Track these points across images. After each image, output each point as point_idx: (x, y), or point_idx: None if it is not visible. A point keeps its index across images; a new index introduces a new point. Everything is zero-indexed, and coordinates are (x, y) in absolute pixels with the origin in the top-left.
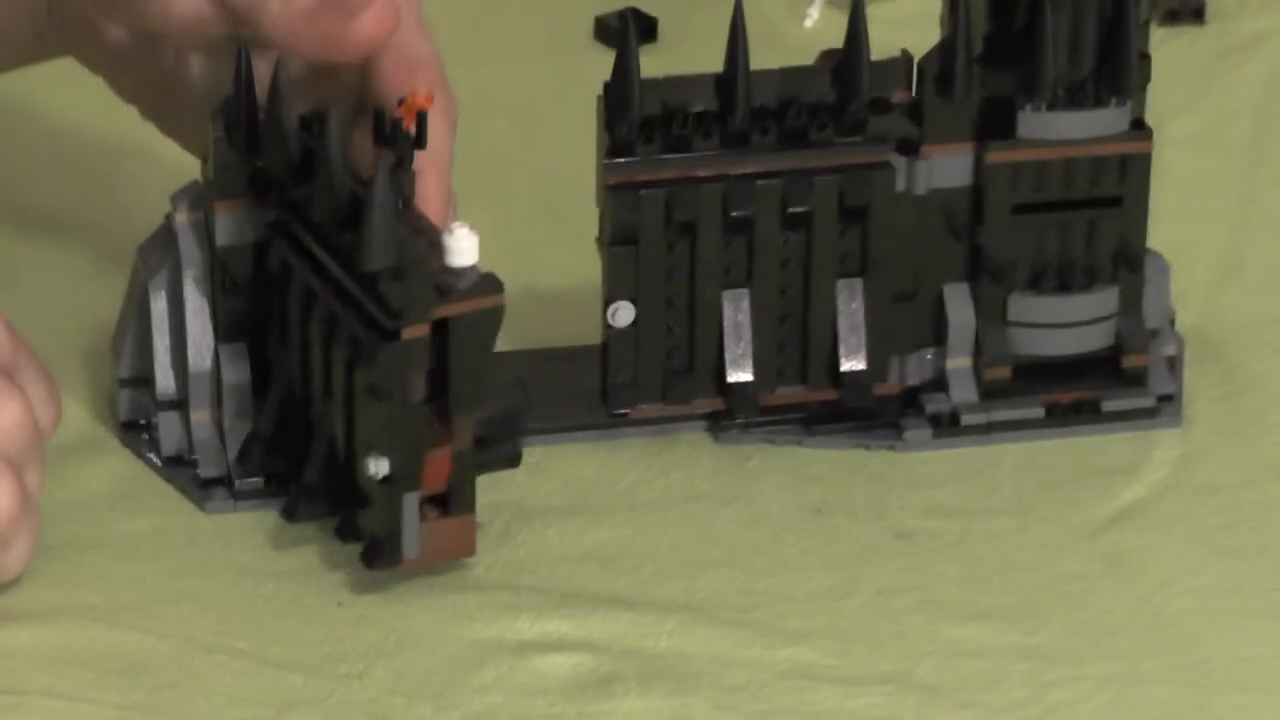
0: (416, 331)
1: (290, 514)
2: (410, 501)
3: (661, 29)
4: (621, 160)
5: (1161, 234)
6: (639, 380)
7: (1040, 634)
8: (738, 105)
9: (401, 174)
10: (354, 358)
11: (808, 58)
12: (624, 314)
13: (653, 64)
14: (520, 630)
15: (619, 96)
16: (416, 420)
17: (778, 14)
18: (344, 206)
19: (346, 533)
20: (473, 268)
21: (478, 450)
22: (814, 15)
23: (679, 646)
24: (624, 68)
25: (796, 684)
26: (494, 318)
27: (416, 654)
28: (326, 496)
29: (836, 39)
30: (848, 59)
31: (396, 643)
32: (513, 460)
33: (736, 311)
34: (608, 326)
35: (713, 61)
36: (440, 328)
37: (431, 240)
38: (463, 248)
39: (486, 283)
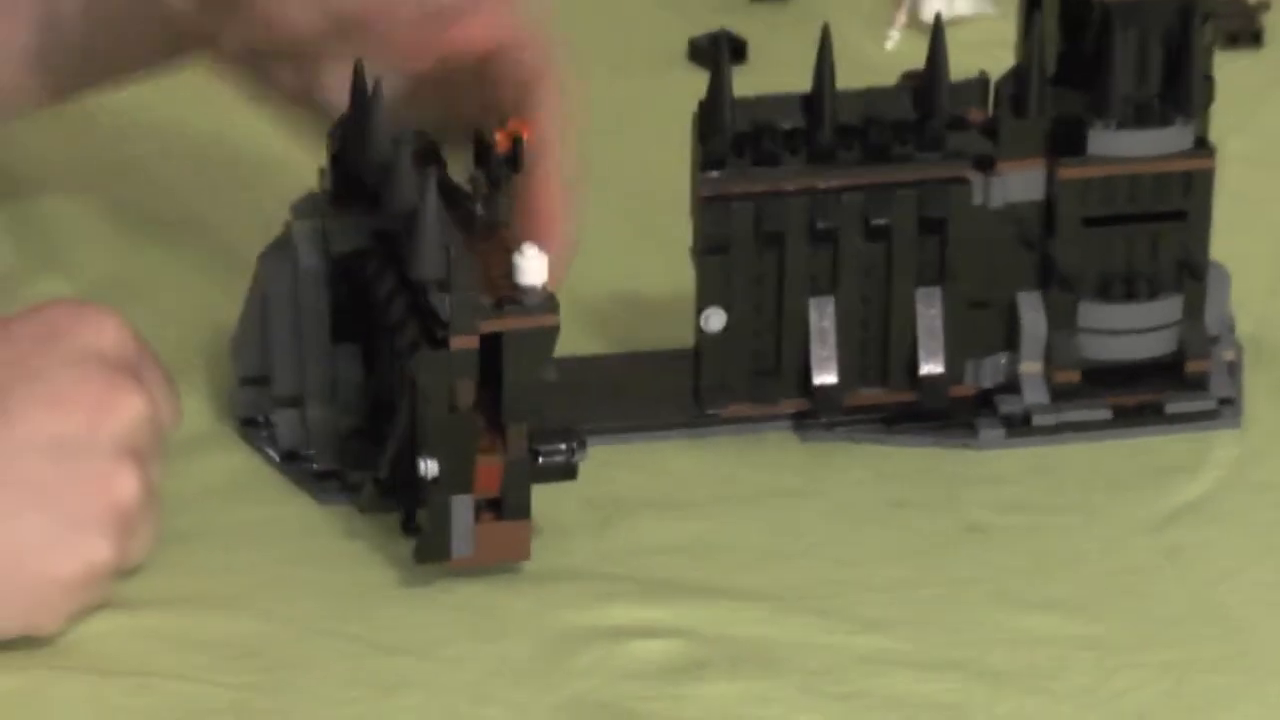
0: (465, 342)
1: (364, 506)
2: (460, 503)
3: (751, 51)
4: (714, 174)
5: (1220, 246)
6: (728, 382)
7: (1104, 623)
8: (824, 123)
9: (496, 196)
10: (410, 361)
11: (888, 78)
12: (715, 319)
13: (743, 83)
14: (615, 617)
15: (712, 114)
16: (464, 426)
17: (860, 37)
18: (407, 219)
19: (409, 527)
20: (537, 287)
21: (532, 460)
22: (895, 37)
23: (765, 633)
24: (717, 86)
25: (874, 669)
26: (547, 336)
27: (517, 639)
28: (398, 490)
29: (917, 60)
30: (928, 80)
31: (498, 628)
32: (568, 472)
33: (821, 317)
34: (699, 331)
35: (799, 81)
36: (496, 341)
37: (508, 258)
38: (530, 267)
39: (545, 302)
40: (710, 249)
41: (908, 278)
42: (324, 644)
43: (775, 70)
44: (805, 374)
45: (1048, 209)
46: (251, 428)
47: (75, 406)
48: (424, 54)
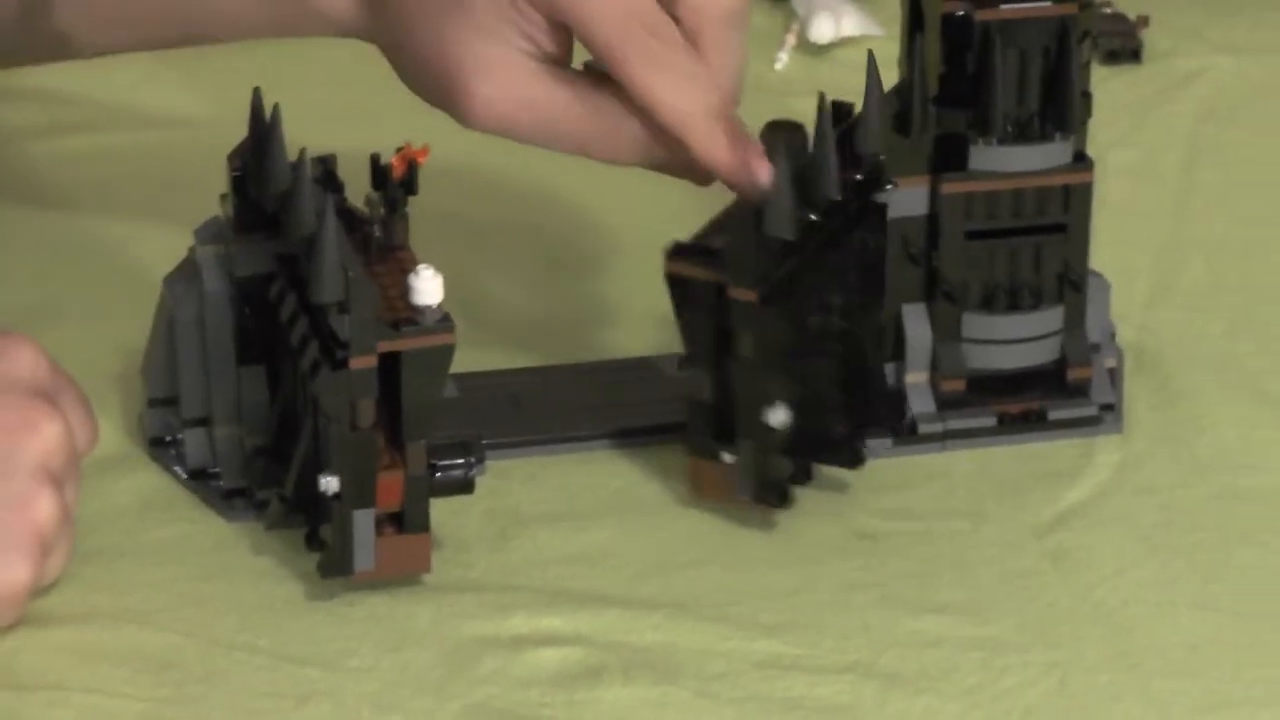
0: (364, 362)
1: (269, 522)
2: (362, 518)
3: None
4: None
5: (1102, 257)
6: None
7: (991, 625)
8: None
9: (393, 219)
10: (312, 381)
11: (780, 97)
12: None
13: None
14: (514, 626)
15: None
16: (364, 443)
17: (751, 58)
18: (306, 243)
19: (313, 542)
20: (433, 307)
21: (431, 475)
22: (784, 59)
23: (662, 639)
24: None
25: (769, 673)
26: (443, 354)
27: (420, 649)
28: (303, 507)
29: (806, 80)
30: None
31: (402, 639)
32: (465, 487)
33: None
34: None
35: None
36: (395, 360)
37: (405, 279)
38: (425, 288)
39: (441, 321)
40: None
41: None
42: (234, 657)
43: None
44: None
45: (932, 223)
46: (161, 448)
47: None
48: None
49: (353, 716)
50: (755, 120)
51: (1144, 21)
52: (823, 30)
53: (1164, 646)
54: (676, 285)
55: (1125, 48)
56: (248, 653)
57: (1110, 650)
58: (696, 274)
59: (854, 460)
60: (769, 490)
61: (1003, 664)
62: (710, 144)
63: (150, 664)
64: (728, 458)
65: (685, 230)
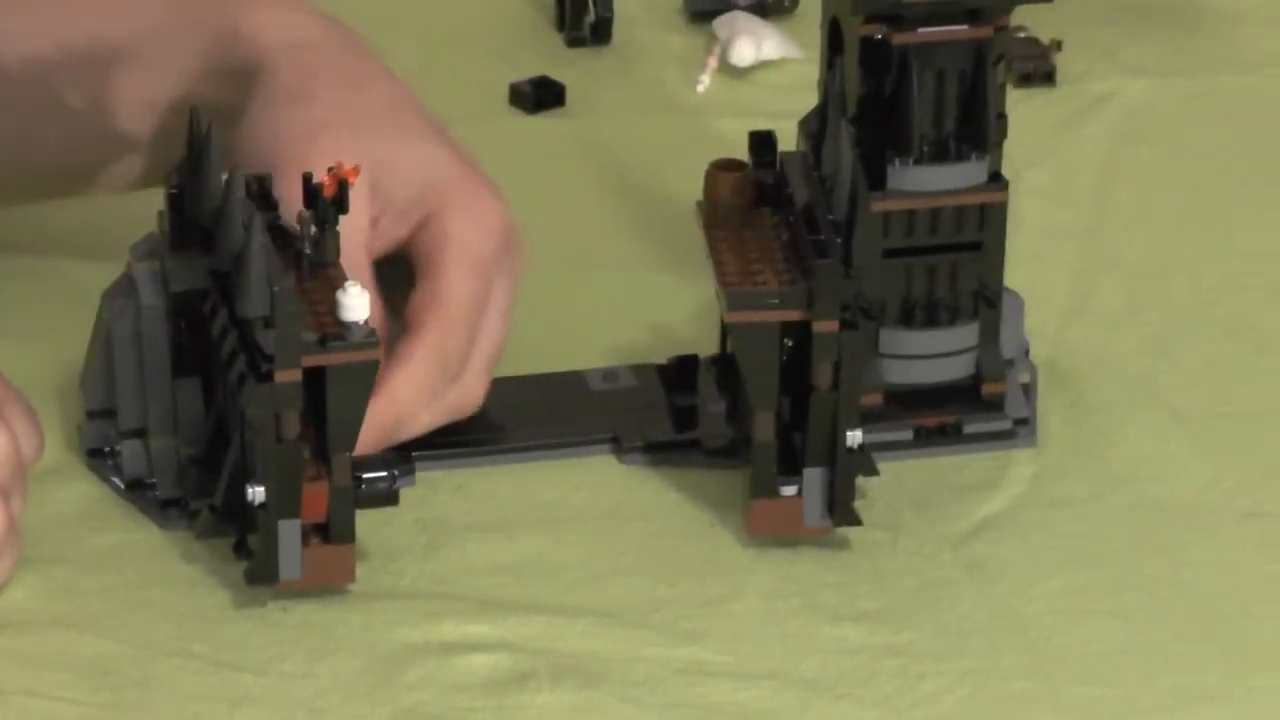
0: (288, 376)
1: (200, 532)
2: (288, 528)
3: (570, 95)
4: None
5: (1017, 275)
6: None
7: (909, 633)
8: None
9: (323, 237)
10: (240, 394)
11: (700, 119)
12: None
13: (561, 127)
14: (443, 633)
15: None
16: (289, 455)
17: (673, 81)
18: (234, 259)
19: (241, 551)
20: (359, 323)
21: (356, 487)
22: (705, 81)
23: (587, 646)
24: None
25: (691, 679)
26: (368, 369)
27: (352, 655)
28: (233, 516)
29: (727, 102)
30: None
31: (334, 645)
32: (390, 499)
33: None
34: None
35: (616, 124)
36: (320, 374)
37: (334, 296)
38: (353, 304)
39: (367, 337)
40: None
41: None
42: (170, 662)
43: (593, 114)
44: None
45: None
46: (98, 458)
47: None
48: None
49: None
50: (683, 142)
51: (1057, 45)
52: (744, 53)
53: (1077, 655)
54: (744, 333)
55: (1039, 71)
56: (183, 658)
57: (1024, 659)
58: (766, 319)
59: (870, 468)
60: (846, 512)
61: (919, 671)
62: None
63: (88, 669)
64: (788, 491)
65: (620, 248)
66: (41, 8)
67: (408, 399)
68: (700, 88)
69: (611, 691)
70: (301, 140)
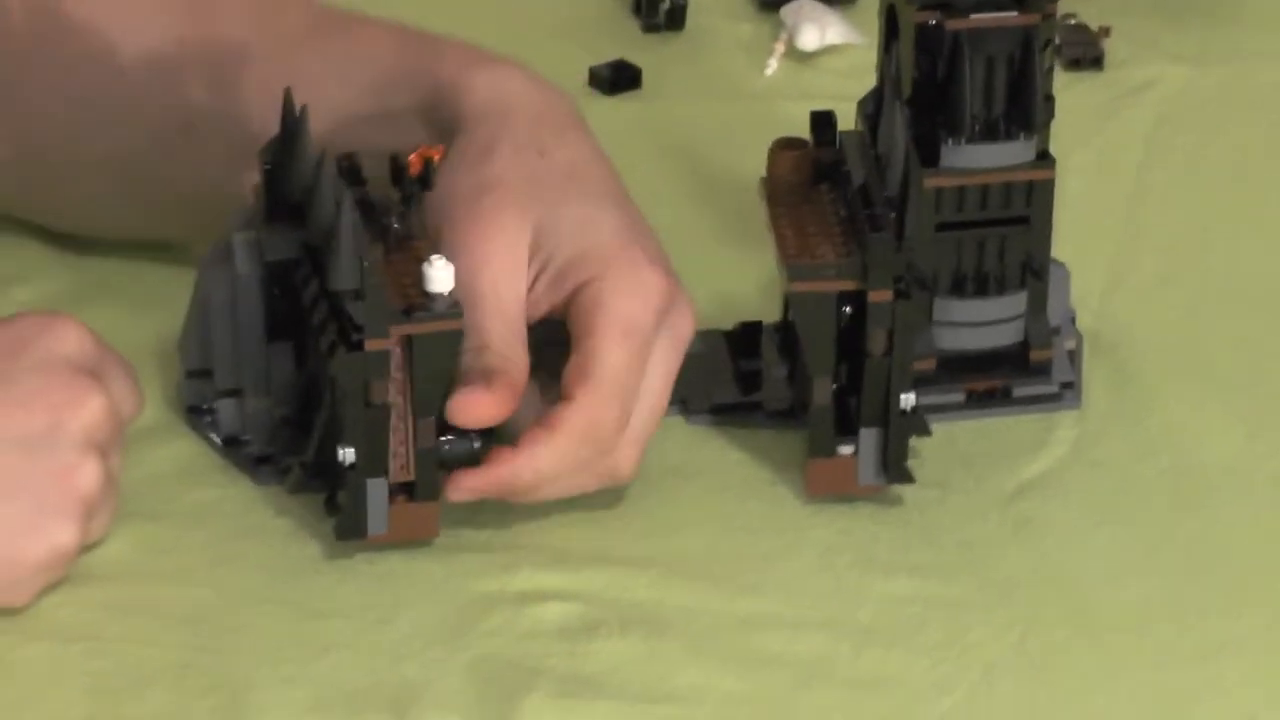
0: (377, 345)
1: (292, 487)
2: (375, 486)
3: (645, 78)
4: None
5: (1064, 248)
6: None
7: (958, 586)
8: None
9: (409, 213)
10: (330, 361)
11: (768, 103)
12: None
13: (637, 109)
14: (519, 584)
15: None
16: (377, 419)
17: (742, 64)
18: (325, 234)
19: (331, 506)
20: (443, 294)
21: (440, 448)
22: (773, 65)
23: (653, 597)
24: None
25: (750, 629)
26: (452, 338)
27: (432, 604)
28: (323, 474)
29: (793, 85)
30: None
31: (416, 595)
32: (471, 459)
33: None
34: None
35: (690, 106)
36: (408, 343)
37: (419, 268)
38: (438, 276)
39: (451, 308)
40: None
41: None
42: (261, 610)
43: (666, 96)
44: None
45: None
46: (197, 415)
47: (41, 407)
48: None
49: (370, 665)
50: (750, 123)
51: (1105, 32)
52: (809, 39)
53: (1115, 606)
54: (803, 302)
55: (1088, 56)
56: (273, 606)
57: (1066, 610)
58: (824, 288)
59: (923, 429)
60: (899, 471)
61: (967, 622)
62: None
63: (182, 617)
64: (844, 451)
65: (689, 221)
66: (286, 73)
67: (548, 467)
68: (768, 71)
69: (675, 640)
70: (471, 197)
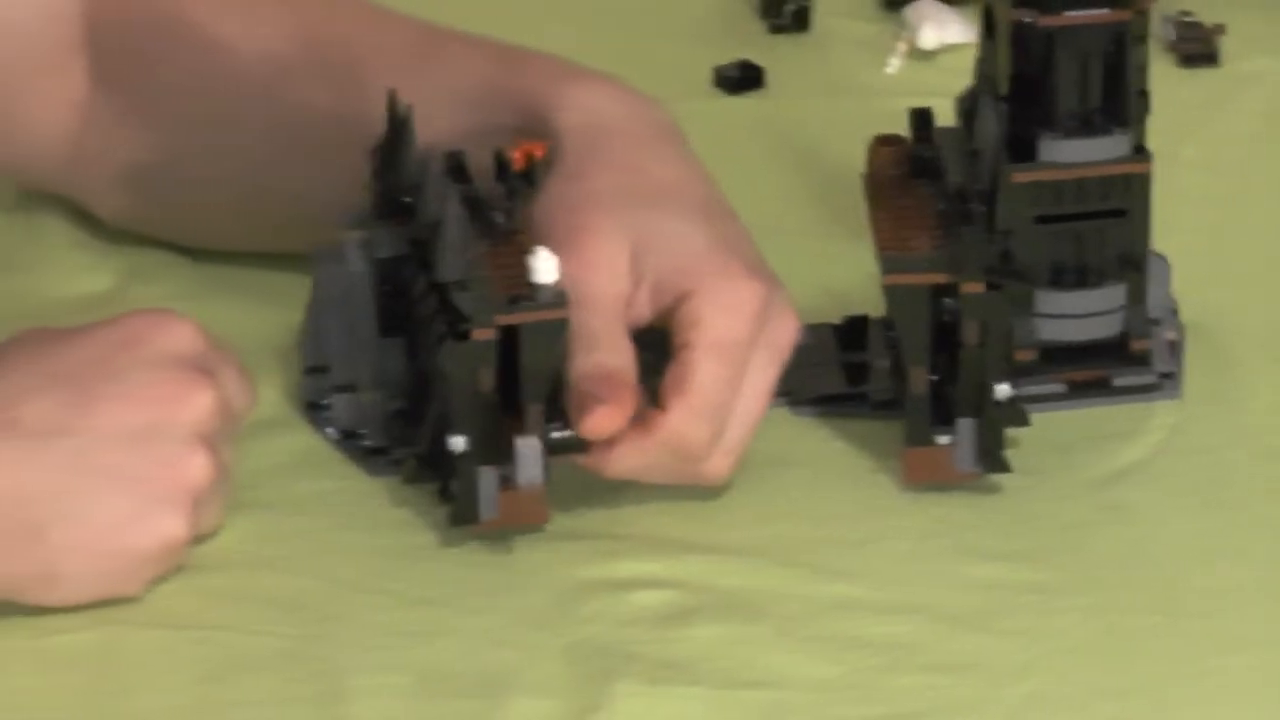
0: (483, 334)
1: (407, 477)
2: (486, 474)
3: (769, 78)
4: None
5: (1171, 240)
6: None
7: (1048, 572)
8: None
9: (513, 207)
10: (438, 352)
11: (890, 100)
12: None
13: (758, 108)
14: (619, 571)
15: None
16: (485, 406)
17: (864, 63)
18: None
19: (444, 495)
20: (549, 284)
21: (548, 436)
22: (895, 64)
23: (747, 584)
24: None
25: (842, 614)
26: (557, 327)
27: (534, 591)
28: (435, 464)
29: (914, 83)
30: None
31: (519, 582)
32: (579, 447)
33: None
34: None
35: (814, 105)
36: (514, 332)
37: (524, 260)
38: (543, 267)
39: (556, 298)
40: None
41: None
42: (366, 599)
43: (789, 95)
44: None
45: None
46: (315, 410)
47: (151, 401)
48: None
49: (470, 651)
50: (870, 120)
51: (1219, 29)
52: (929, 38)
53: (1202, 592)
54: (896, 294)
55: (1202, 52)
56: (377, 594)
57: (1153, 595)
58: (917, 280)
59: (1019, 420)
60: (995, 459)
61: (1055, 607)
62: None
63: (289, 605)
64: (942, 440)
65: (803, 216)
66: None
67: (638, 468)
68: (890, 70)
69: (768, 625)
70: (568, 215)
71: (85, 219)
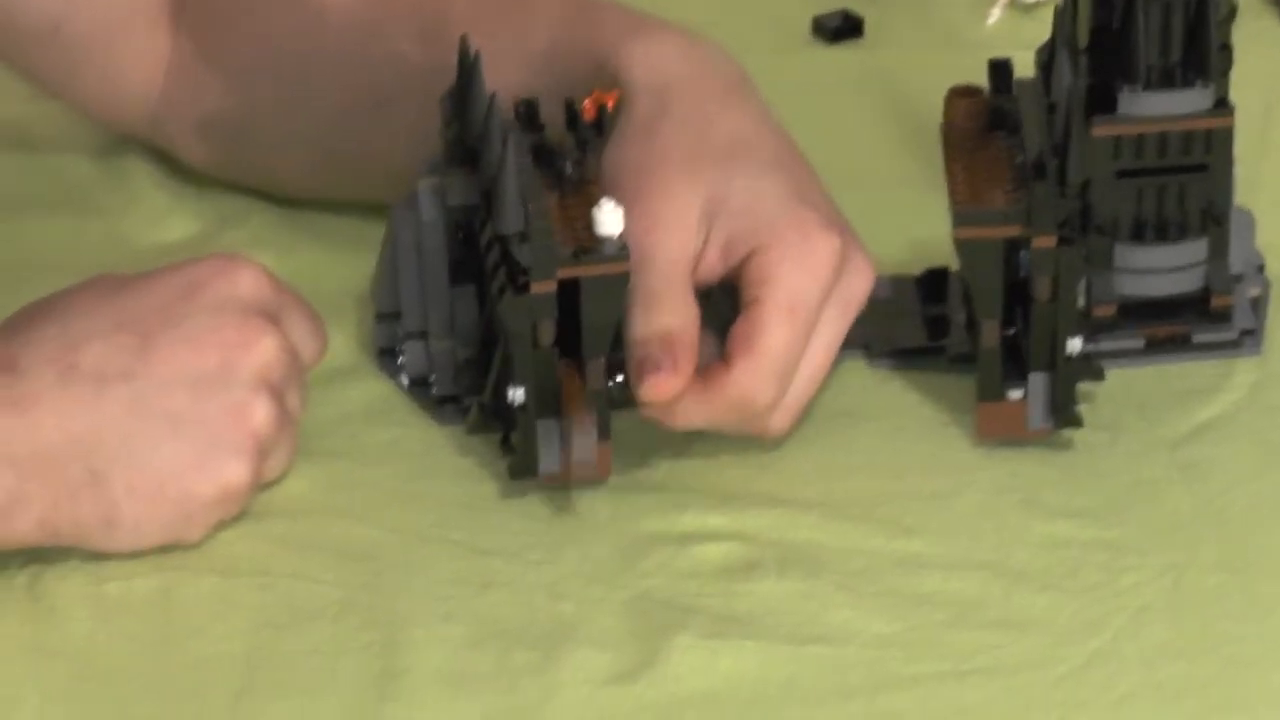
0: (543, 287)
1: (470, 427)
2: (546, 427)
3: (868, 28)
4: None
5: (1260, 195)
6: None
7: (1118, 529)
8: None
9: (583, 158)
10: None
11: (985, 51)
12: None
13: (855, 58)
14: (683, 524)
15: None
16: (546, 360)
17: (963, 15)
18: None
19: (506, 447)
20: (613, 238)
21: (610, 389)
22: (996, 15)
23: (813, 538)
24: None
25: (907, 570)
26: (620, 281)
27: (597, 543)
28: (499, 415)
29: (1010, 35)
30: None
31: (582, 534)
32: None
33: None
34: None
35: (914, 56)
36: (575, 285)
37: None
38: (607, 220)
39: (619, 251)
40: None
41: None
42: (429, 549)
43: (886, 45)
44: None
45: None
46: (387, 357)
47: (213, 347)
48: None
49: (528, 603)
50: (967, 72)
51: None
52: None
53: (1273, 552)
54: (968, 248)
55: None
56: (440, 545)
57: (1224, 554)
58: (989, 234)
59: (1093, 374)
60: (1067, 415)
61: (1123, 565)
62: None
63: (351, 554)
64: (1014, 395)
65: (892, 168)
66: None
67: (699, 422)
68: (990, 21)
69: (830, 580)
70: (637, 172)
71: (172, 166)
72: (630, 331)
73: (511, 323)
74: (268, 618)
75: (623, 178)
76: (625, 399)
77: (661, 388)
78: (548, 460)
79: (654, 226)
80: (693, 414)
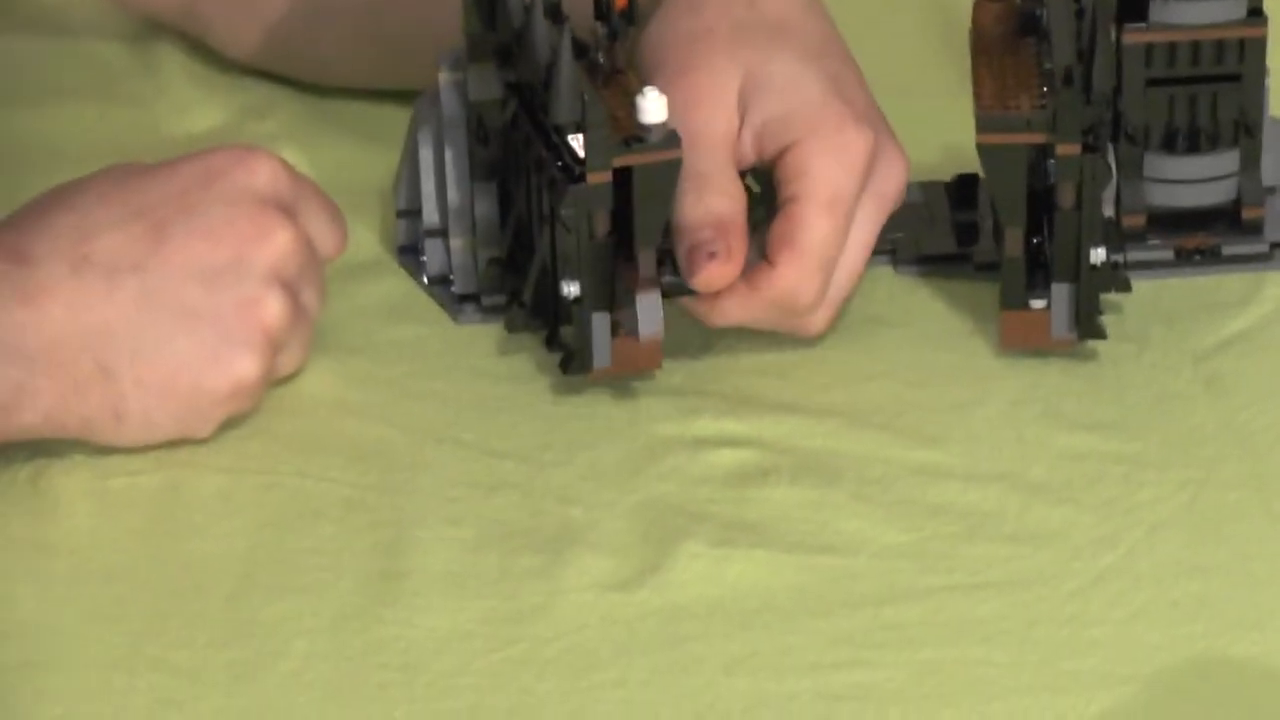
0: (600, 177)
1: (511, 325)
2: (600, 320)
3: None
4: None
5: None
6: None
7: (1138, 443)
8: None
9: (615, 47)
10: (551, 196)
11: None
12: None
13: None
14: (698, 429)
15: None
16: (600, 251)
17: None
18: (544, 70)
19: (552, 343)
20: (659, 125)
21: (661, 280)
22: None
23: (830, 446)
24: None
25: (923, 480)
26: (671, 168)
27: (609, 446)
28: (540, 312)
29: None
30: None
31: (595, 437)
32: (690, 290)
33: None
34: None
35: None
36: (627, 175)
37: (629, 101)
38: (652, 107)
39: (668, 139)
40: None
41: None
42: (438, 449)
43: None
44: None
45: (1116, 71)
46: (407, 254)
47: (227, 238)
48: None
49: (536, 506)
50: None
51: None
52: None
53: None
54: (990, 154)
55: None
56: (451, 445)
57: (1243, 470)
58: (1011, 140)
59: (1119, 284)
60: (1090, 325)
61: (1141, 479)
62: None
63: (360, 454)
64: (1037, 304)
65: (929, 77)
66: None
67: (740, 320)
68: None
69: (845, 489)
70: (680, 46)
71: (201, 54)
72: (681, 215)
73: (568, 215)
74: (271, 516)
75: (665, 53)
76: (672, 290)
77: (715, 276)
78: (601, 355)
79: (698, 103)
80: (734, 313)
